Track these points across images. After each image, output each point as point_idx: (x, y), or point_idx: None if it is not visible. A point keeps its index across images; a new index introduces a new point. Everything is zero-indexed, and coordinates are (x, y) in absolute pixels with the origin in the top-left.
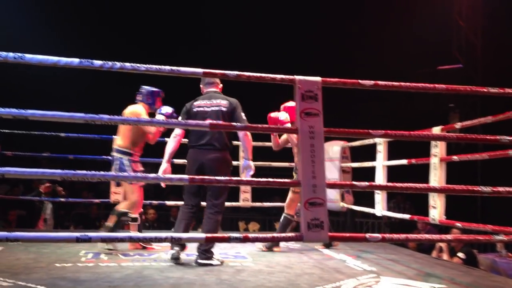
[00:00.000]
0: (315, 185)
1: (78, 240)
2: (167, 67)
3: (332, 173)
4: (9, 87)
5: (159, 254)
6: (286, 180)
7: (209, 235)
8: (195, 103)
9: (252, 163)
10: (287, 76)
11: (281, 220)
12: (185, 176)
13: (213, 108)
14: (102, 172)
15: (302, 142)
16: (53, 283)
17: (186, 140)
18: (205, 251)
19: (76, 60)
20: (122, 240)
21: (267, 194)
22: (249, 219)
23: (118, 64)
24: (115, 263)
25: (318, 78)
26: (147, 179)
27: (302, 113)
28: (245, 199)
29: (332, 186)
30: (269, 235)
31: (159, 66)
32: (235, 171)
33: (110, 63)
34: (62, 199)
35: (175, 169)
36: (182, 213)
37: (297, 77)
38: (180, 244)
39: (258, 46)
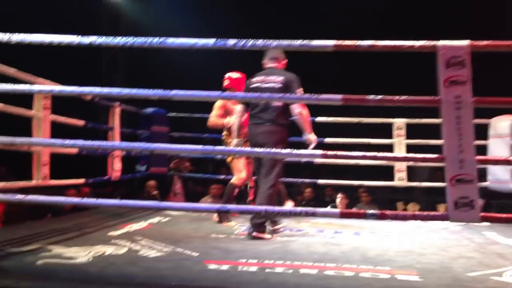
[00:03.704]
0: (462, 160)
1: (218, 211)
2: (297, 42)
3: (500, 150)
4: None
5: (307, 230)
6: (427, 155)
7: (344, 211)
8: (253, 79)
9: (312, 137)
10: (428, 43)
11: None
12: (318, 152)
13: (268, 85)
14: (238, 148)
15: (446, 113)
16: (206, 251)
17: None
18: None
19: (211, 41)
20: (258, 213)
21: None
22: (408, 200)
23: (250, 42)
24: None
25: (465, 42)
26: (282, 155)
27: (446, 81)
28: (400, 178)
29: (484, 161)
30: (409, 212)
31: (289, 42)
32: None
33: (242, 41)
34: (189, 174)
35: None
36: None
37: (440, 43)
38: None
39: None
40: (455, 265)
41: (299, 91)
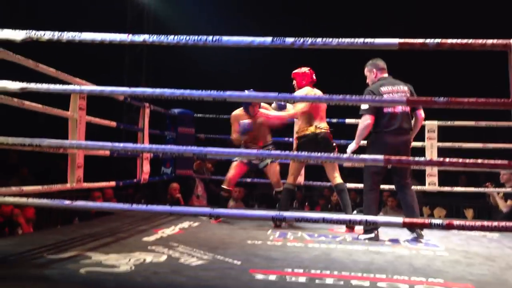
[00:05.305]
0: None
1: (273, 219)
2: (360, 40)
3: None
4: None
5: (343, 236)
6: (498, 161)
7: (407, 220)
8: (382, 89)
9: None
10: (501, 41)
11: (282, 193)
12: (380, 157)
13: (400, 94)
14: (286, 152)
15: None
16: (247, 259)
17: None
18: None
19: (268, 39)
20: (315, 221)
21: (453, 178)
22: (434, 204)
23: (309, 41)
24: (301, 243)
25: None
26: (340, 160)
27: None
28: (431, 182)
29: None
30: (478, 223)
31: (351, 40)
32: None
33: (301, 40)
34: (211, 176)
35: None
36: (373, 198)
37: None
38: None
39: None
40: (509, 276)
41: None
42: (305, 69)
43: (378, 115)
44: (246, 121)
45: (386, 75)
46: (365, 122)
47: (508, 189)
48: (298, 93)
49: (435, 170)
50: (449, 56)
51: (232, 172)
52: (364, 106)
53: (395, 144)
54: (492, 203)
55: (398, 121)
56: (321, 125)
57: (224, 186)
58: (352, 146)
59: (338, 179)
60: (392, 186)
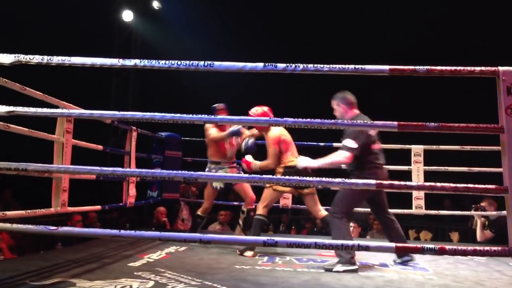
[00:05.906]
0: None
1: (265, 244)
2: (351, 66)
3: None
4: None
5: (331, 260)
6: (490, 186)
7: (399, 244)
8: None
9: None
10: (489, 68)
11: (254, 222)
12: (372, 181)
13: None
14: (278, 176)
15: (508, 142)
16: (236, 284)
17: None
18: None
19: (260, 65)
20: (307, 246)
21: (438, 201)
22: (420, 227)
23: (300, 66)
24: (290, 268)
25: None
26: (331, 184)
27: (508, 109)
28: (418, 206)
29: None
30: (470, 248)
31: (342, 66)
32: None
33: (293, 65)
34: (196, 200)
35: None
36: (347, 224)
37: (501, 68)
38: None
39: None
40: None
41: None
42: (263, 109)
43: (366, 152)
44: (252, 140)
45: (357, 111)
46: (345, 157)
47: (493, 213)
48: (271, 133)
49: (422, 193)
50: (438, 81)
51: (209, 201)
52: (353, 145)
53: (382, 178)
54: (473, 227)
55: (382, 157)
56: None
57: (200, 213)
58: (310, 163)
59: (322, 212)
60: None
